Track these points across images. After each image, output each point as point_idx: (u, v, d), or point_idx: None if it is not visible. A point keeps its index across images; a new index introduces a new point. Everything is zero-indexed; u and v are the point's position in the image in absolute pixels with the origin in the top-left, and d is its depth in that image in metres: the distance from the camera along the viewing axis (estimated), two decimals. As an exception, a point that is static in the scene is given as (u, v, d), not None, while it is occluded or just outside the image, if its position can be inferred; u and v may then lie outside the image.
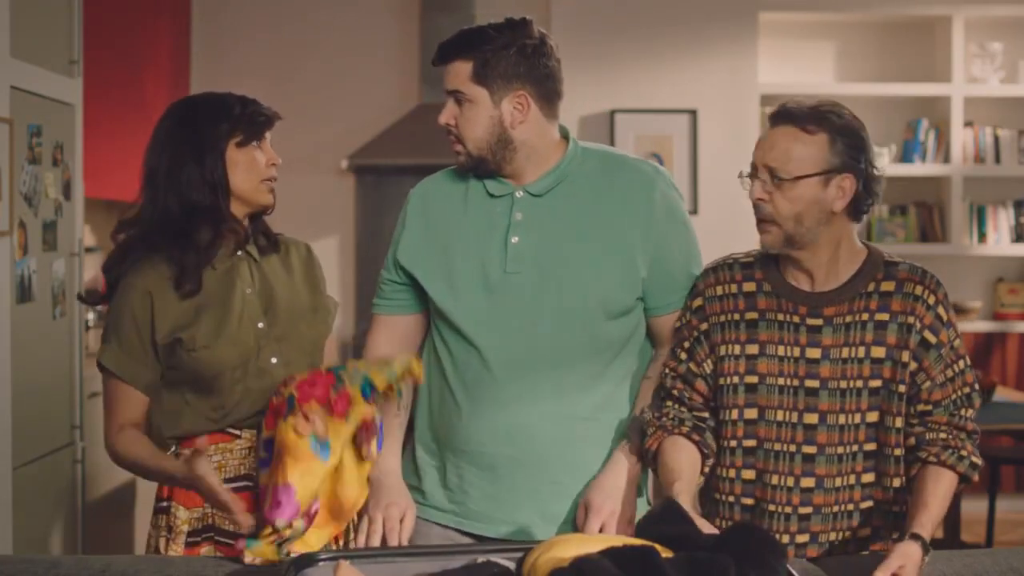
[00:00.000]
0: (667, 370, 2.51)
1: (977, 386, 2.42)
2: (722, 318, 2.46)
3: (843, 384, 2.37)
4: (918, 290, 2.40)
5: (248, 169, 2.50)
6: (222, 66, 6.59)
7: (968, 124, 6.53)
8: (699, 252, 2.55)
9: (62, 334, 4.14)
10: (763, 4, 6.41)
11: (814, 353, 2.39)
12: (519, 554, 1.98)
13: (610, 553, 1.84)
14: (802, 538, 2.41)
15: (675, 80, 6.41)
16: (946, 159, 6.50)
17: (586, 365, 2.46)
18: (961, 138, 6.49)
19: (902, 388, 2.37)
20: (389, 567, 2.02)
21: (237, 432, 2.49)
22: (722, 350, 2.45)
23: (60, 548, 4.11)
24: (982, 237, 6.55)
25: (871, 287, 2.40)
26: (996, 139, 6.53)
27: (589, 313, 2.44)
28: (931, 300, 2.40)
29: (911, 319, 2.38)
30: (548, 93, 2.45)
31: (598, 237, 2.44)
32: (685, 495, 2.31)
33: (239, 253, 2.53)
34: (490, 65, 2.40)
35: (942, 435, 2.36)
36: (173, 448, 2.50)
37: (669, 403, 2.48)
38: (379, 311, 2.60)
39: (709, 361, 2.47)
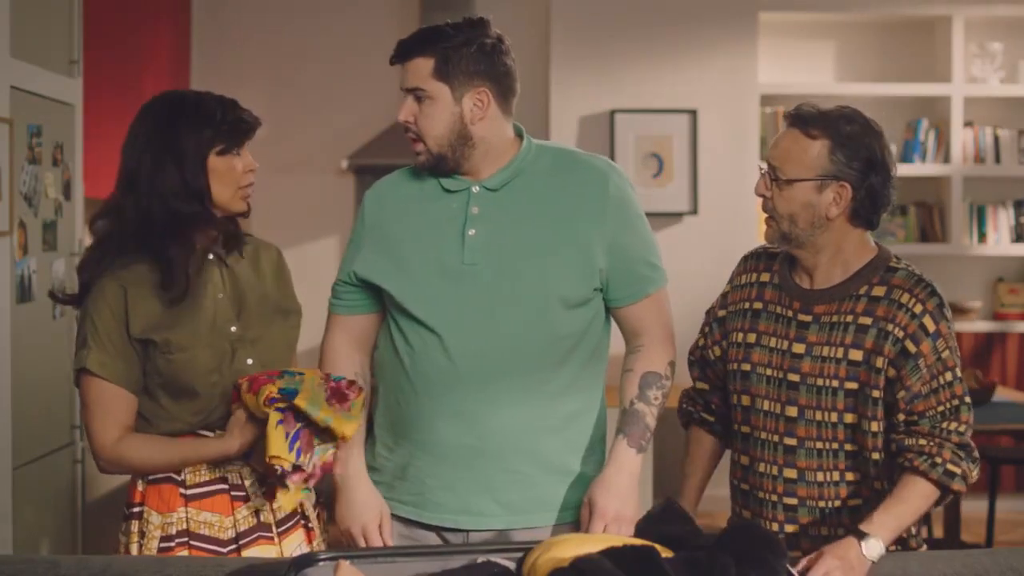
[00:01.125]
0: (688, 354, 2.65)
1: (967, 399, 2.39)
2: (738, 306, 2.56)
3: (820, 382, 2.42)
4: (904, 298, 2.39)
5: (226, 178, 2.48)
6: (222, 66, 6.59)
7: (968, 124, 6.53)
8: (655, 242, 2.58)
9: (62, 334, 4.14)
10: (763, 4, 6.40)
11: (799, 348, 2.45)
12: (519, 554, 1.98)
13: (610, 553, 1.84)
14: (791, 528, 2.46)
15: (675, 80, 6.41)
16: (946, 159, 6.50)
17: (544, 355, 2.47)
18: (961, 138, 6.49)
19: (876, 393, 2.39)
20: (389, 567, 2.03)
21: (210, 434, 2.49)
22: (731, 337, 2.56)
23: (60, 548, 4.11)
24: (982, 237, 6.54)
25: (863, 290, 2.43)
26: (996, 139, 6.53)
27: (547, 302, 2.45)
28: (917, 309, 2.38)
29: (891, 326, 2.38)
30: (506, 90, 2.49)
31: (554, 228, 2.47)
32: (691, 491, 2.61)
33: (210, 257, 2.52)
34: (451, 62, 2.42)
35: (920, 442, 2.36)
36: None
37: (689, 388, 2.66)
38: (336, 311, 2.60)
39: (718, 347, 2.60)
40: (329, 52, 6.66)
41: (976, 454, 2.38)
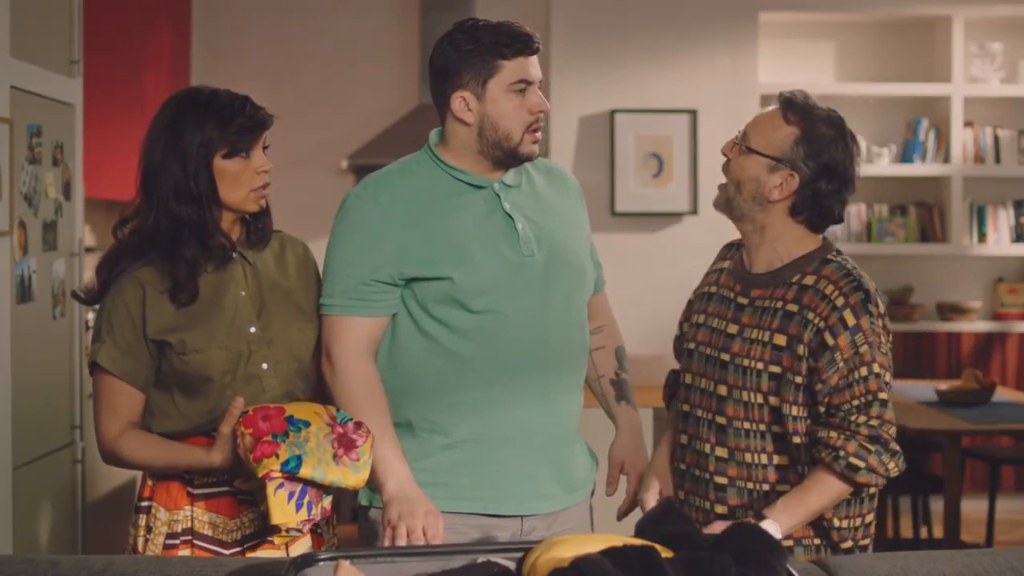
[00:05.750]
0: (674, 339, 2.78)
1: (883, 395, 2.41)
2: (702, 290, 2.68)
3: (746, 363, 2.48)
4: (829, 289, 2.44)
5: (235, 181, 2.46)
6: (222, 66, 6.59)
7: (968, 124, 6.53)
8: None
9: (62, 334, 4.14)
10: (763, 4, 6.41)
11: (733, 329, 2.53)
12: (519, 554, 1.98)
13: (610, 553, 1.84)
14: (720, 508, 2.52)
15: (675, 80, 6.41)
16: (946, 159, 6.51)
17: (584, 335, 2.63)
18: (961, 138, 6.49)
19: (799, 379, 2.44)
20: (389, 567, 2.02)
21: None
22: (692, 319, 2.67)
23: (60, 548, 4.11)
24: (982, 237, 6.55)
25: (795, 278, 2.49)
26: (996, 139, 6.53)
27: (585, 288, 2.63)
28: (839, 302, 2.43)
29: (812, 315, 2.43)
30: None
31: (569, 222, 2.62)
32: (660, 458, 2.68)
33: (233, 255, 2.51)
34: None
35: (831, 434, 2.41)
36: None
37: (673, 368, 2.78)
38: (355, 312, 2.49)
39: (679, 328, 2.74)
40: (329, 52, 6.66)
41: (894, 447, 2.41)
